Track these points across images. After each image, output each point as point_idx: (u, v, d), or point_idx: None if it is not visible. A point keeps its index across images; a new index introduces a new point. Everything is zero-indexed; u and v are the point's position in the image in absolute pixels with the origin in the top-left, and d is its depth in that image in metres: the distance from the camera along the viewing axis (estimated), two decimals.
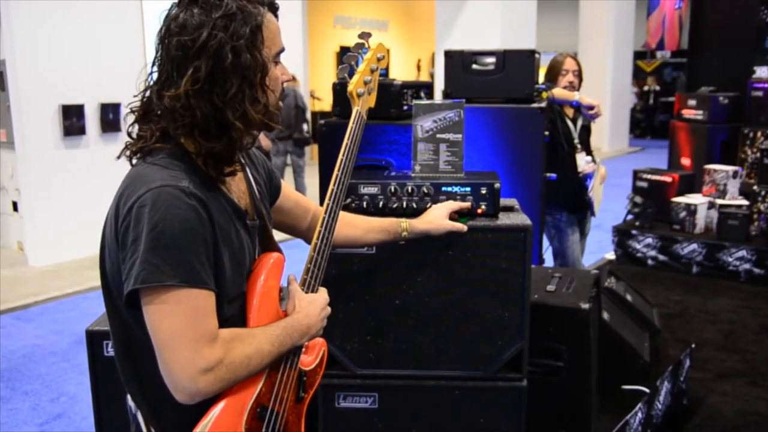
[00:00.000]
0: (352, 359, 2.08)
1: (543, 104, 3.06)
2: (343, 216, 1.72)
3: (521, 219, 2.03)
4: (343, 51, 14.49)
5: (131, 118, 1.34)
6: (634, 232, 5.39)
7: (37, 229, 6.27)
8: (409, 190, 2.01)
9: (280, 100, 1.39)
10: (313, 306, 1.43)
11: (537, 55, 3.12)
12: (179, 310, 1.19)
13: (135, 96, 1.34)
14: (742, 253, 4.88)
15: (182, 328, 1.19)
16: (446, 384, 2.07)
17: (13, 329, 4.87)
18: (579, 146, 3.83)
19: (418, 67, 16.19)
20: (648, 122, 18.46)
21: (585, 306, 2.35)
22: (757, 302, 4.49)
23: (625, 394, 2.98)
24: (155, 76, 1.30)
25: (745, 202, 5.15)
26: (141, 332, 1.25)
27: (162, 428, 1.34)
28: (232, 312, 1.32)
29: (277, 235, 1.54)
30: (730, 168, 5.36)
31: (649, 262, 5.31)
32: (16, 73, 5.98)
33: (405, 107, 2.49)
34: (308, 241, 1.75)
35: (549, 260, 3.89)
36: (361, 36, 1.75)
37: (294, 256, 1.61)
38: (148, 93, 1.32)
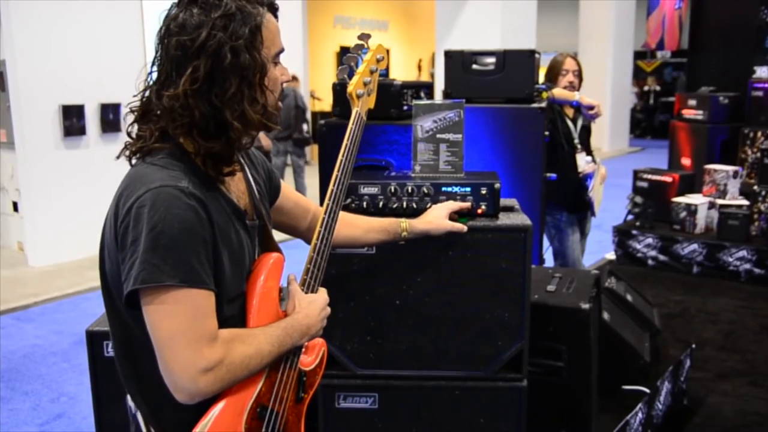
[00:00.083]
0: (352, 359, 2.08)
1: (543, 104, 3.06)
2: (343, 216, 1.72)
3: (521, 219, 2.03)
4: (343, 51, 14.52)
5: (131, 117, 1.34)
6: (634, 232, 5.39)
7: (38, 230, 6.28)
8: (409, 191, 2.00)
9: (279, 100, 1.39)
10: (313, 306, 1.43)
11: (537, 55, 3.12)
12: (179, 310, 1.19)
13: (134, 96, 1.34)
14: (743, 253, 4.88)
15: (182, 328, 1.19)
16: (446, 384, 2.07)
17: (14, 329, 4.88)
18: (579, 146, 3.83)
19: (419, 68, 16.20)
20: (648, 122, 18.46)
21: (585, 306, 2.35)
22: (758, 302, 4.48)
23: (625, 395, 2.97)
24: (155, 75, 1.31)
25: (746, 202, 5.15)
26: (140, 332, 1.25)
27: (162, 428, 1.34)
28: (232, 312, 1.32)
29: (277, 235, 1.54)
30: (731, 168, 5.36)
31: (650, 262, 5.31)
32: (16, 73, 5.98)
33: (405, 107, 2.48)
34: (308, 242, 1.75)
35: (549, 260, 3.89)
36: (360, 37, 1.75)
37: (294, 257, 1.61)
38: (147, 93, 1.32)
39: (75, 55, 6.25)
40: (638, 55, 17.56)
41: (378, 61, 1.76)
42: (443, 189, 2.01)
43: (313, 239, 1.49)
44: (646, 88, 18.58)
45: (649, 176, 5.59)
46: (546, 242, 3.69)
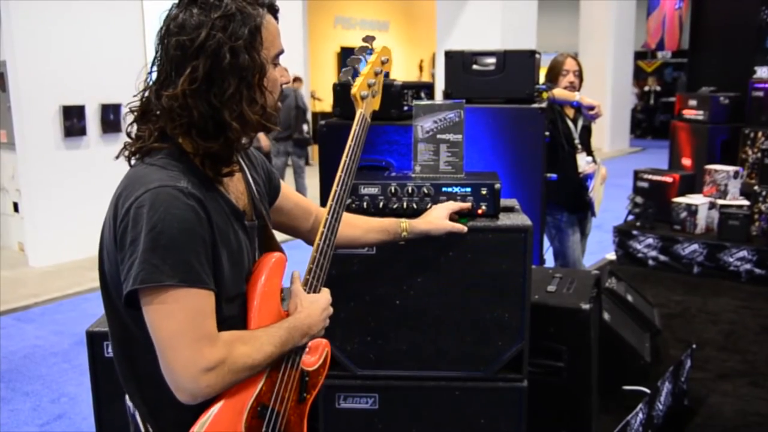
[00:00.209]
0: (352, 360, 2.08)
1: (543, 104, 3.06)
2: (343, 216, 1.72)
3: (521, 219, 2.03)
4: (344, 51, 14.55)
5: (130, 117, 1.35)
6: (634, 232, 5.38)
7: (38, 230, 6.28)
8: (410, 191, 2.00)
9: (278, 101, 1.39)
10: (315, 306, 1.43)
11: (537, 56, 3.12)
12: (179, 310, 1.19)
13: (134, 96, 1.34)
14: (743, 253, 4.88)
15: (183, 328, 1.19)
16: (446, 385, 2.06)
17: (14, 330, 4.88)
18: (579, 146, 3.83)
19: (420, 68, 16.20)
20: (649, 122, 18.46)
21: (585, 306, 2.35)
22: (758, 302, 4.48)
23: (625, 395, 2.97)
24: (154, 75, 1.31)
25: (746, 203, 5.15)
26: (140, 333, 1.25)
27: (161, 428, 1.34)
28: (231, 312, 1.32)
29: (278, 236, 1.54)
30: (731, 168, 5.35)
31: (650, 262, 5.31)
32: (16, 73, 5.99)
33: (405, 108, 2.48)
34: (309, 243, 1.75)
35: (549, 260, 3.89)
36: (365, 39, 1.75)
37: (295, 257, 1.61)
38: (147, 93, 1.32)
39: (75, 55, 6.25)
40: (639, 56, 17.56)
41: (383, 63, 1.76)
42: (443, 189, 2.00)
43: (316, 239, 1.50)
44: (646, 88, 18.58)
45: (650, 176, 5.58)
46: (546, 242, 3.69)
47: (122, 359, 1.35)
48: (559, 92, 3.66)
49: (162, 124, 1.28)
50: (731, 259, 4.92)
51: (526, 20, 9.84)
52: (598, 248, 5.85)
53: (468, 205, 1.98)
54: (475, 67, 3.09)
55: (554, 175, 3.21)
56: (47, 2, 6.01)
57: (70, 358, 4.32)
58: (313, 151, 11.68)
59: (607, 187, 4.14)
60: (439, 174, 2.12)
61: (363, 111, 1.67)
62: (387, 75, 1.81)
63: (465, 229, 1.93)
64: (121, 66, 6.31)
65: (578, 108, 3.78)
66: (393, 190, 2.01)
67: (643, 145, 16.41)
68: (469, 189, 2.00)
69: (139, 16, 6.75)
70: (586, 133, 3.97)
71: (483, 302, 2.01)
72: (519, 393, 2.06)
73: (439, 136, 2.11)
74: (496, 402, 2.07)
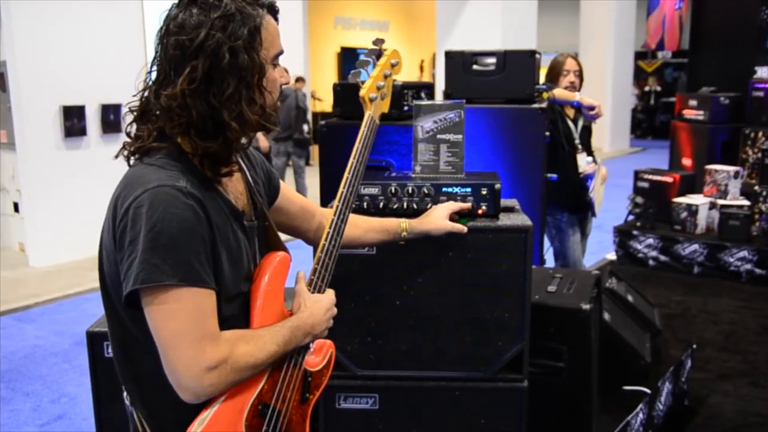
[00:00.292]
0: (352, 360, 2.08)
1: (543, 104, 3.06)
2: None
3: (522, 220, 2.03)
4: (344, 51, 14.55)
5: (130, 117, 1.35)
6: (635, 232, 5.38)
7: (38, 230, 6.28)
8: (410, 191, 2.00)
9: (277, 102, 1.39)
10: (319, 305, 1.43)
11: (537, 56, 3.12)
12: (180, 309, 1.19)
13: (134, 96, 1.34)
14: (744, 253, 4.87)
15: (184, 328, 1.19)
16: (447, 385, 2.06)
17: (14, 330, 4.88)
18: (580, 147, 3.83)
19: (421, 68, 16.19)
20: (649, 122, 18.46)
21: (586, 306, 2.35)
22: (759, 303, 4.48)
23: (626, 395, 2.97)
24: (154, 75, 1.31)
25: (747, 203, 5.15)
26: (140, 333, 1.25)
27: (161, 428, 1.34)
28: (231, 312, 1.32)
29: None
30: (732, 168, 5.35)
31: (650, 262, 5.31)
32: (16, 74, 5.99)
33: (405, 108, 2.48)
34: (309, 242, 1.76)
35: (550, 261, 3.89)
36: (375, 42, 1.77)
37: (296, 257, 1.61)
38: (146, 93, 1.32)
39: (76, 55, 6.25)
40: (639, 56, 17.55)
41: (392, 66, 1.78)
42: (444, 189, 2.00)
43: (321, 240, 1.50)
44: (646, 88, 18.58)
45: (650, 176, 5.58)
46: (547, 243, 3.69)
47: (122, 359, 1.35)
48: (559, 92, 3.66)
49: (161, 123, 1.28)
50: (732, 260, 4.92)
51: (527, 20, 9.84)
52: (598, 248, 5.85)
53: (468, 205, 1.98)
54: (475, 67, 3.09)
55: (554, 176, 3.21)
56: (47, 2, 6.01)
57: (71, 358, 4.32)
58: (314, 151, 11.67)
59: (608, 187, 4.14)
60: (439, 174, 2.12)
61: (371, 113, 1.68)
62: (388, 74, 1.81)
63: (465, 229, 1.93)
64: (122, 66, 6.31)
65: (578, 108, 3.78)
66: (393, 190, 2.01)
67: (644, 145, 16.41)
68: (469, 189, 2.00)
69: (140, 16, 6.75)
70: (587, 133, 3.97)
71: (483, 302, 2.01)
72: (519, 393, 2.06)
73: (439, 136, 2.11)
74: (497, 402, 2.07)
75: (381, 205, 2.01)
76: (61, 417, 3.60)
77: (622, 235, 5.48)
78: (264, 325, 1.34)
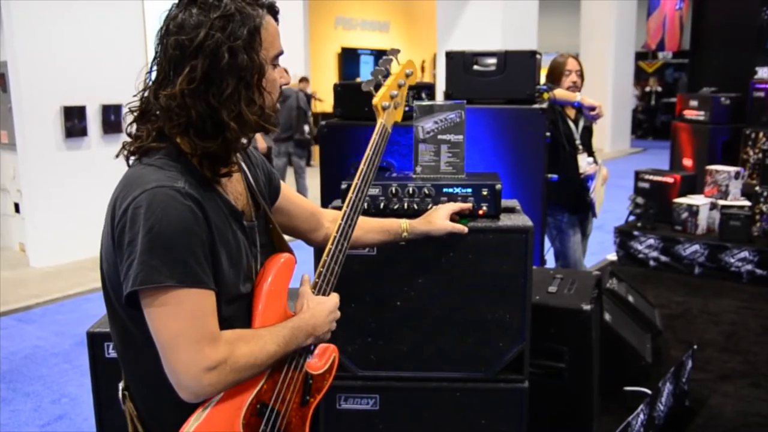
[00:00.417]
0: (353, 361, 2.08)
1: (544, 105, 3.06)
2: None
3: (522, 220, 2.03)
4: (345, 52, 14.56)
5: (130, 117, 1.35)
6: (635, 233, 5.38)
7: (39, 231, 6.28)
8: (411, 192, 2.00)
9: (277, 102, 1.39)
10: (321, 307, 1.43)
11: (538, 56, 3.12)
12: (179, 310, 1.19)
13: (134, 96, 1.34)
14: (744, 254, 4.87)
15: (184, 328, 1.19)
16: (447, 386, 2.06)
17: (15, 330, 4.88)
18: (581, 147, 3.82)
19: (422, 68, 16.19)
20: (650, 123, 18.46)
21: (586, 307, 2.35)
22: (759, 303, 4.47)
23: (626, 396, 2.97)
24: (154, 75, 1.31)
25: (747, 203, 5.14)
26: (139, 333, 1.25)
27: (162, 428, 1.34)
28: (231, 313, 1.32)
29: None
30: (732, 169, 5.35)
31: (651, 263, 5.30)
32: (17, 74, 5.99)
33: (406, 108, 2.48)
34: (309, 243, 1.76)
35: (550, 261, 3.89)
36: (390, 52, 1.79)
37: (297, 258, 1.61)
38: (146, 93, 1.32)
39: (76, 56, 6.25)
40: (640, 56, 17.55)
41: (407, 75, 1.80)
42: (444, 190, 2.00)
43: (328, 245, 1.51)
44: (647, 88, 18.58)
45: (651, 177, 5.58)
46: (547, 243, 3.69)
47: (124, 359, 1.35)
48: (560, 93, 3.66)
49: (160, 123, 1.28)
50: (732, 260, 4.91)
51: (527, 21, 9.84)
52: (599, 249, 5.84)
53: (469, 205, 1.98)
54: (475, 67, 3.09)
55: (555, 176, 3.21)
56: (48, 2, 6.01)
57: (71, 358, 4.32)
58: (314, 151, 11.67)
59: (608, 187, 4.13)
60: (439, 175, 2.12)
61: (383, 121, 1.69)
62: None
63: (466, 229, 1.93)
64: (122, 66, 6.31)
65: (579, 108, 3.78)
66: (394, 191, 2.01)
67: (644, 146, 16.41)
68: (470, 189, 2.00)
69: (140, 16, 6.75)
70: (587, 133, 3.96)
71: (484, 303, 2.00)
72: (520, 394, 2.06)
73: (440, 136, 2.11)
74: (497, 403, 2.07)
75: (382, 205, 2.01)
76: (61, 417, 3.60)
77: (623, 235, 5.48)
78: (266, 325, 1.34)
